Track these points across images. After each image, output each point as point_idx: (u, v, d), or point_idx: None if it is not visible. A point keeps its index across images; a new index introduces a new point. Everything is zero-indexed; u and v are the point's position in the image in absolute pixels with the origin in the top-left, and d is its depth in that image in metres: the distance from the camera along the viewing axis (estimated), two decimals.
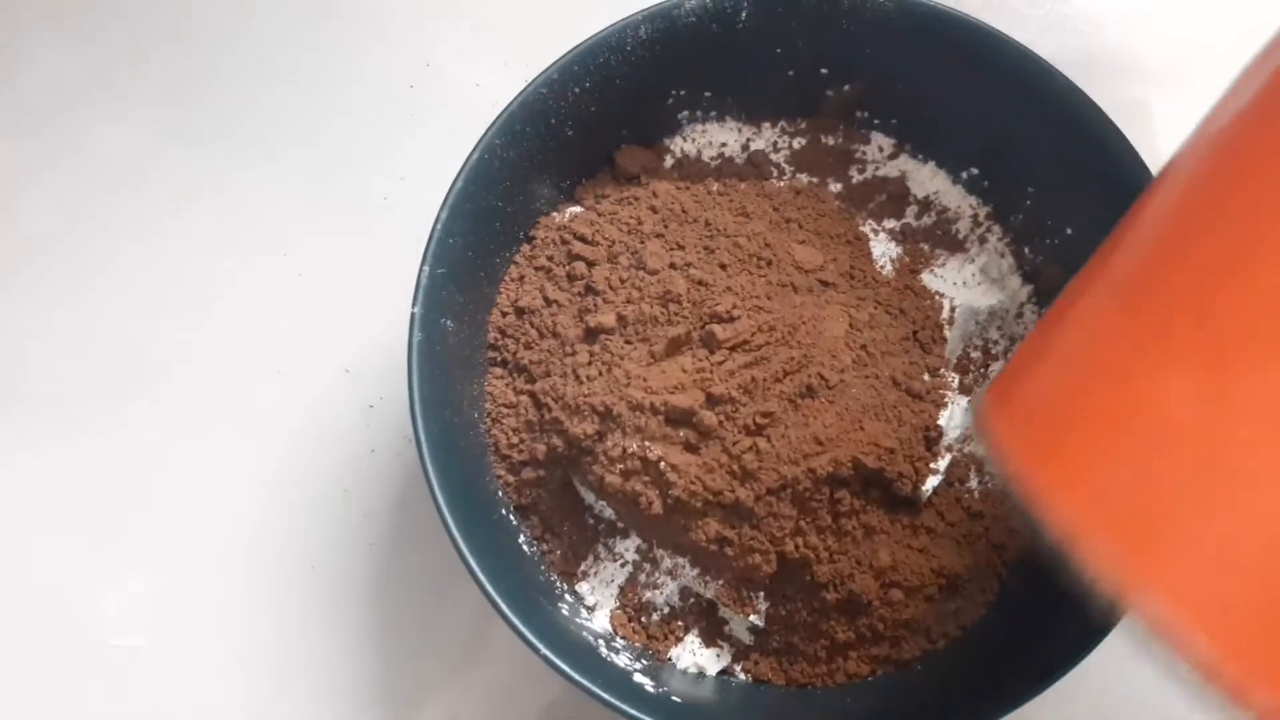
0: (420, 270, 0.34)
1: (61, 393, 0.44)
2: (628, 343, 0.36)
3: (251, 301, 0.45)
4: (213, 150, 0.47)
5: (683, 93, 0.40)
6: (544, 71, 0.36)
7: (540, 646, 0.32)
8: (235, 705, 0.40)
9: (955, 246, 0.41)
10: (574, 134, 0.38)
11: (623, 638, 0.37)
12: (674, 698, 0.34)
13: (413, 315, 0.34)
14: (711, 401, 0.34)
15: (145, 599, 0.41)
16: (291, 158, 0.47)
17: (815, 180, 0.42)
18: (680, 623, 0.37)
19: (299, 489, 0.42)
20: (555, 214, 0.40)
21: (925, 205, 0.41)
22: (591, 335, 0.37)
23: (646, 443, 0.34)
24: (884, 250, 0.41)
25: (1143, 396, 0.18)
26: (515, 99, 0.36)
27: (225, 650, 0.41)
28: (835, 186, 0.42)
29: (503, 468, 0.37)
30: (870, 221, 0.41)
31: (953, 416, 0.37)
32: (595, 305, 0.37)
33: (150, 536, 0.42)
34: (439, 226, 0.34)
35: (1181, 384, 0.17)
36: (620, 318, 0.36)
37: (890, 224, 0.41)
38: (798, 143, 0.42)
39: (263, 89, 0.48)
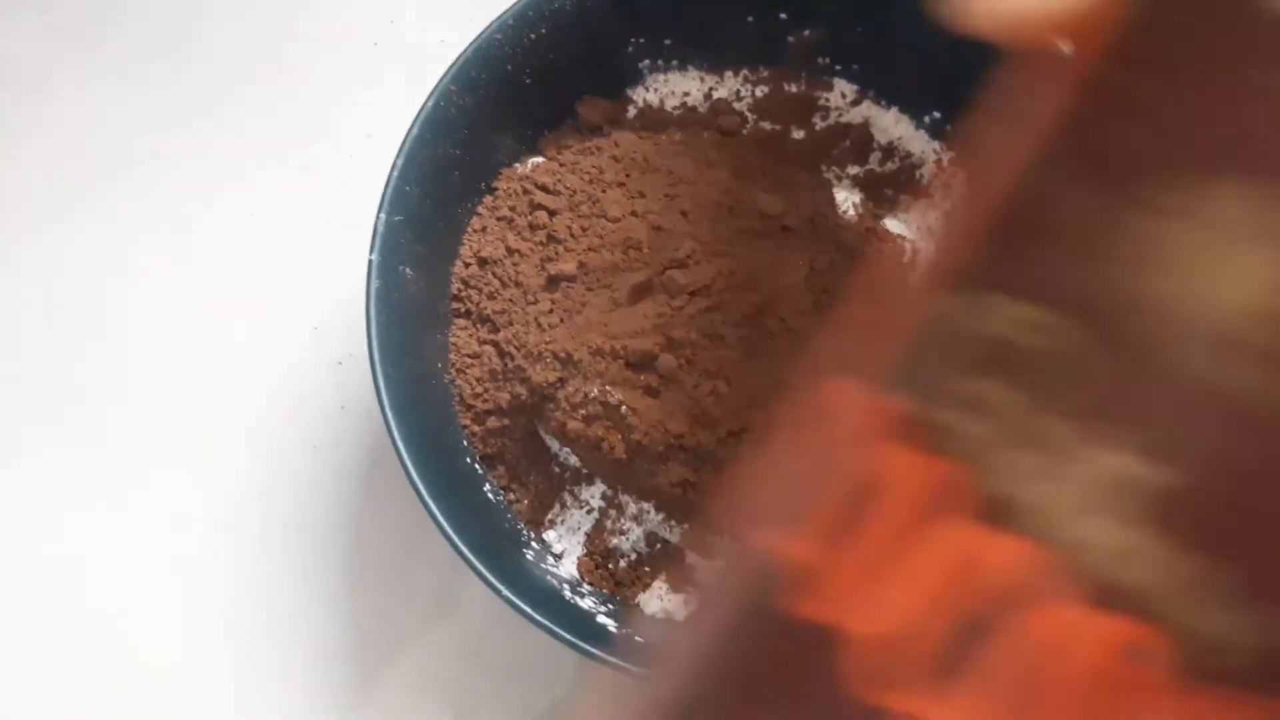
0: (377, 218, 0.34)
1: (23, 353, 0.44)
2: (589, 290, 0.36)
3: (217, 261, 0.45)
4: (175, 112, 0.47)
5: (643, 40, 0.40)
6: (499, 17, 0.36)
7: (503, 589, 0.32)
8: (206, 663, 0.40)
9: (919, 192, 0.41)
10: (532, 83, 0.38)
11: (590, 584, 0.37)
12: (639, 639, 0.34)
13: (370, 262, 0.34)
14: (672, 346, 0.34)
15: (116, 559, 0.41)
16: (255, 117, 0.47)
17: (778, 128, 0.41)
18: (648, 569, 0.37)
19: (268, 447, 0.42)
20: (518, 166, 0.40)
21: (889, 151, 0.41)
22: (553, 283, 0.37)
23: (608, 387, 0.34)
24: (847, 196, 0.41)
25: None
26: (470, 45, 0.36)
27: (196, 609, 0.41)
28: (798, 134, 0.42)
29: (468, 417, 0.37)
30: (834, 168, 0.41)
31: None
32: (557, 254, 0.37)
33: (119, 497, 0.42)
34: (395, 174, 0.35)
35: None
36: (581, 265, 0.36)
37: (854, 170, 0.41)
38: (760, 91, 0.42)
39: (226, 50, 0.48)
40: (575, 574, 0.37)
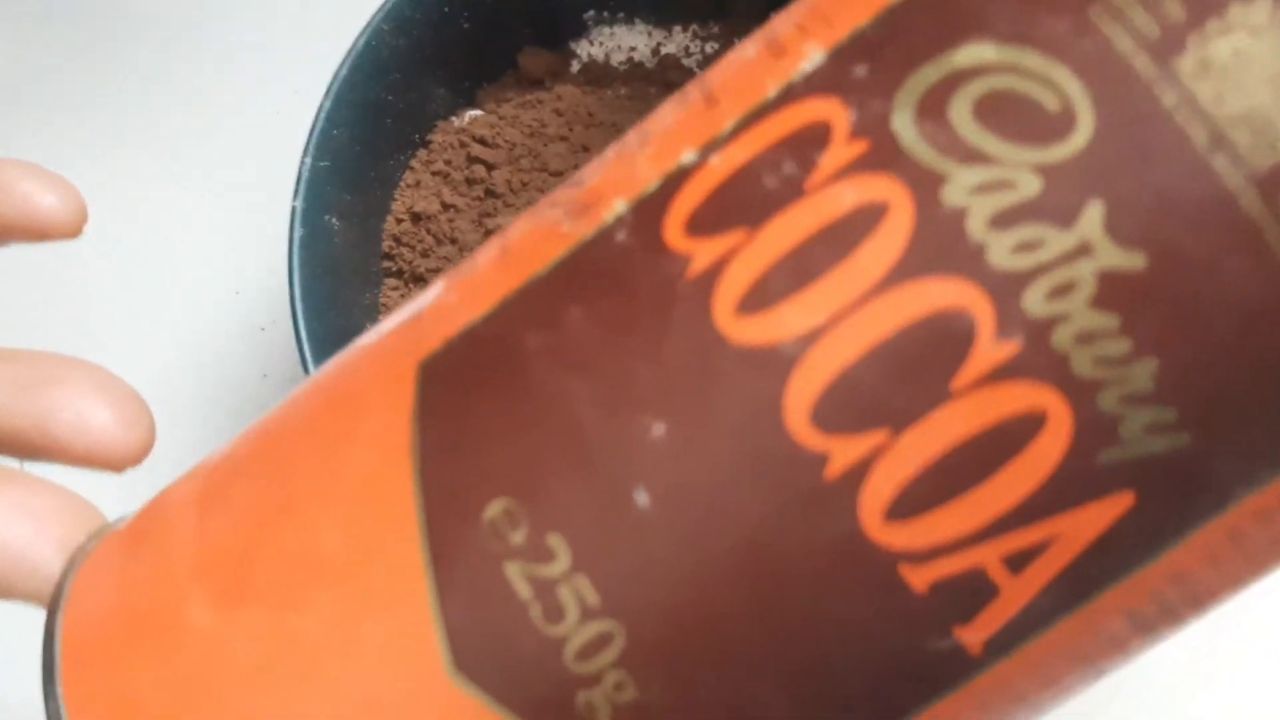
0: (301, 162, 0.32)
1: None
2: None
3: (132, 224, 0.42)
4: (83, 62, 0.44)
5: None
6: None
7: None
8: None
9: None
10: (470, 28, 0.36)
11: None
12: None
13: (294, 209, 0.32)
14: None
15: None
16: (177, 74, 0.44)
17: None
18: None
19: (188, 415, 0.40)
20: (454, 119, 0.38)
21: None
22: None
23: None
24: None
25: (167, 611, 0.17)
26: None
27: None
28: None
29: None
30: None
31: None
32: (495, 209, 0.35)
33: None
34: (321, 116, 0.32)
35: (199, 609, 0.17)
36: None
37: None
38: (710, 47, 0.40)
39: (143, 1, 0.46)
40: None
